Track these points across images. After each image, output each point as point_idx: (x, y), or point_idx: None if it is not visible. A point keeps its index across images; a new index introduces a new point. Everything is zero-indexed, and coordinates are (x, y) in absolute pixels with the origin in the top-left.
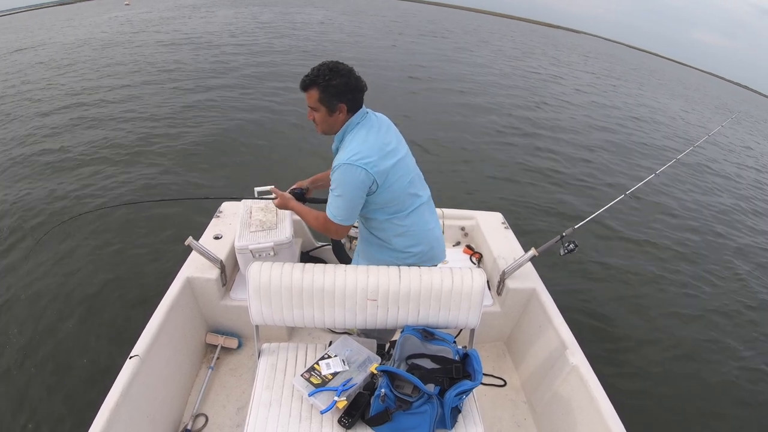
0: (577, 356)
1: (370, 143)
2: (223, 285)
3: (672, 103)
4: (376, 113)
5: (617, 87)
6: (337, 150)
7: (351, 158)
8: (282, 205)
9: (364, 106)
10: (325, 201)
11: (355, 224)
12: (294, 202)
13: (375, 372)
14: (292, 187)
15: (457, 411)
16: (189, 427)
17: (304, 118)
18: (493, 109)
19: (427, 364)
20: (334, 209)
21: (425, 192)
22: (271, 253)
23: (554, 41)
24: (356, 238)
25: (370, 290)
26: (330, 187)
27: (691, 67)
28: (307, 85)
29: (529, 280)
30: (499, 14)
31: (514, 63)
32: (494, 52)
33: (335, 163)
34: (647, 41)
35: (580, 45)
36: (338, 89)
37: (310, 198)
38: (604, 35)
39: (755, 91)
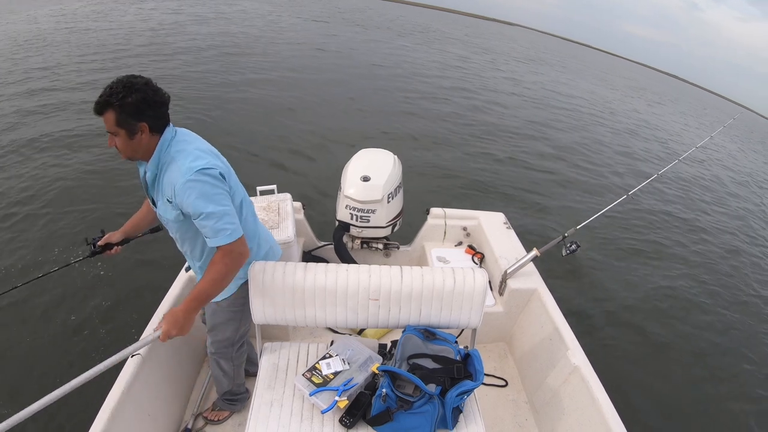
0: (578, 357)
1: (203, 147)
2: None
3: (668, 115)
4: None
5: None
6: (154, 180)
7: (196, 169)
8: (179, 328)
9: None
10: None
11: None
12: (191, 313)
13: (376, 372)
14: (96, 240)
15: (458, 411)
16: (189, 426)
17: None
18: (497, 110)
19: (429, 364)
20: (219, 226)
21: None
22: None
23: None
24: (359, 238)
25: (372, 290)
26: (194, 218)
27: (625, 58)
28: (101, 107)
29: (531, 280)
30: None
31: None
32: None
33: (175, 188)
34: (582, 33)
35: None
36: (136, 107)
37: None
38: (540, 28)
39: (685, 81)
